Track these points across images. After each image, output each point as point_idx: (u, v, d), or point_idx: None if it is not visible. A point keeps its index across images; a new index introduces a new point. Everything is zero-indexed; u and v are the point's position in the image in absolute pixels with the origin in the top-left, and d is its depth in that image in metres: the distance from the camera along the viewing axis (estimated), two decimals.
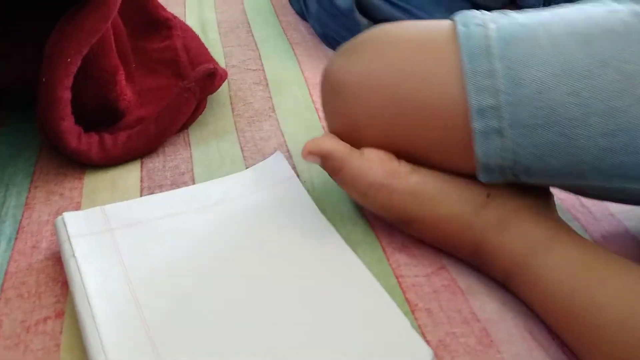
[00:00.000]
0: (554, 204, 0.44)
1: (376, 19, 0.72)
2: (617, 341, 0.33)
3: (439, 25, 0.41)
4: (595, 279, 0.36)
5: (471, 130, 0.38)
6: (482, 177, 0.40)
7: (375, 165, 0.42)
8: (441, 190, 0.42)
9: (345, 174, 0.42)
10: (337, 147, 0.42)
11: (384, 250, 0.44)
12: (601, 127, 0.35)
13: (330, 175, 0.44)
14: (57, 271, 0.42)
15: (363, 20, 0.72)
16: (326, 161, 0.42)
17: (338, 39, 0.75)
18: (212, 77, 0.55)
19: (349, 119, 0.43)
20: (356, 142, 0.43)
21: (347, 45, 0.44)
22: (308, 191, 0.49)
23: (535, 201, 0.42)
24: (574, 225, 0.47)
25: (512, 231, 0.40)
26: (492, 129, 0.37)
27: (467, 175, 0.41)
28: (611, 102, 0.35)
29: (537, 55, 0.36)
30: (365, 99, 0.41)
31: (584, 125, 0.35)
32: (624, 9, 0.37)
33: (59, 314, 0.39)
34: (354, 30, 0.71)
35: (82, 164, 0.52)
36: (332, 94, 0.44)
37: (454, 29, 0.39)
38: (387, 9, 0.72)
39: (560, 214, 0.43)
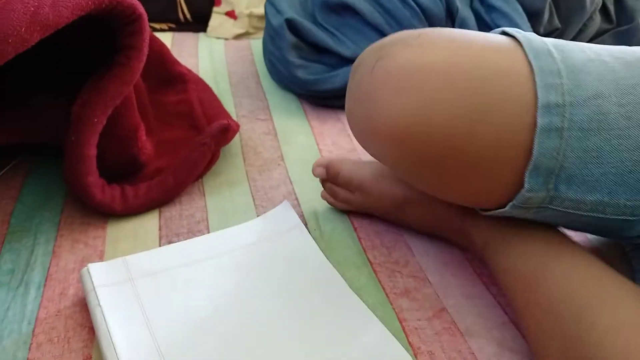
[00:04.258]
0: None
1: (306, 40, 0.78)
2: (565, 322, 0.37)
3: (493, 34, 0.42)
4: (554, 255, 0.41)
5: (534, 125, 0.38)
6: (527, 181, 0.39)
7: (367, 165, 0.54)
8: None
9: (343, 175, 0.54)
10: (335, 158, 0.56)
11: (386, 294, 0.47)
12: (639, 140, 0.38)
13: (331, 182, 0.56)
14: (84, 317, 0.45)
15: (292, 37, 0.77)
16: (328, 169, 0.55)
17: (275, 62, 0.80)
18: (226, 132, 0.59)
19: (419, 111, 0.39)
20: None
21: (404, 39, 0.41)
22: (315, 238, 0.52)
23: None
24: None
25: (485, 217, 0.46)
26: (554, 127, 0.38)
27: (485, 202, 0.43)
28: None
29: (590, 66, 0.39)
30: (443, 90, 0.39)
31: (627, 137, 0.38)
32: None
33: (87, 358, 0.42)
34: (282, 47, 0.77)
35: (105, 214, 0.55)
36: (400, 87, 0.39)
37: (509, 35, 0.41)
38: (315, 31, 0.78)
39: None
